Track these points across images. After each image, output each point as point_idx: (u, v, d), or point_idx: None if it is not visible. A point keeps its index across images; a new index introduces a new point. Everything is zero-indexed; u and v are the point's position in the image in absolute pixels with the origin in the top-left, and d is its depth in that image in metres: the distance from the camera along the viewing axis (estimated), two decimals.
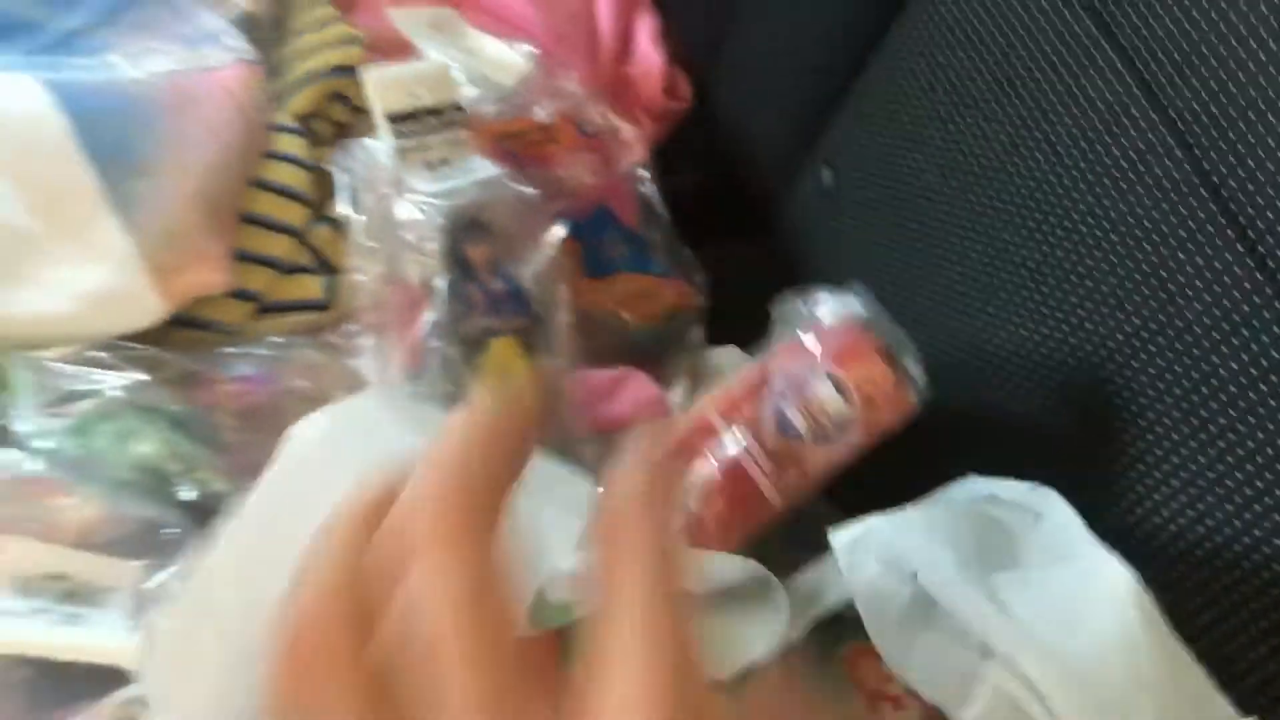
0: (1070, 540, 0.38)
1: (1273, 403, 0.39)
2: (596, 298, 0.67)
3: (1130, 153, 0.44)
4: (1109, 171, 0.45)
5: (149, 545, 0.46)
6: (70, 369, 0.51)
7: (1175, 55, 0.42)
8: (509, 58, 0.71)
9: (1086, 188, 0.46)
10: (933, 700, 0.36)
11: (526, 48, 0.72)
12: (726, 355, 0.70)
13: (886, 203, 0.59)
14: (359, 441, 0.43)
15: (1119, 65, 0.44)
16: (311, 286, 0.63)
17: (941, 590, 0.36)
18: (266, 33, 0.69)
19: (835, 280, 0.64)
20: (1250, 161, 0.39)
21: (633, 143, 0.73)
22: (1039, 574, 0.37)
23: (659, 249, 0.71)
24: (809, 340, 0.48)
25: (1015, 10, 0.49)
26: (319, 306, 0.63)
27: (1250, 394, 0.40)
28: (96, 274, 0.54)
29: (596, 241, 0.70)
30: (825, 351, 0.46)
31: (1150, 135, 0.43)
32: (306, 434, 0.44)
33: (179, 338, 0.58)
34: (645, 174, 0.73)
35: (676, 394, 0.67)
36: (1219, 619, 0.41)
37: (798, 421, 0.45)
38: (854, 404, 0.45)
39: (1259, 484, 0.40)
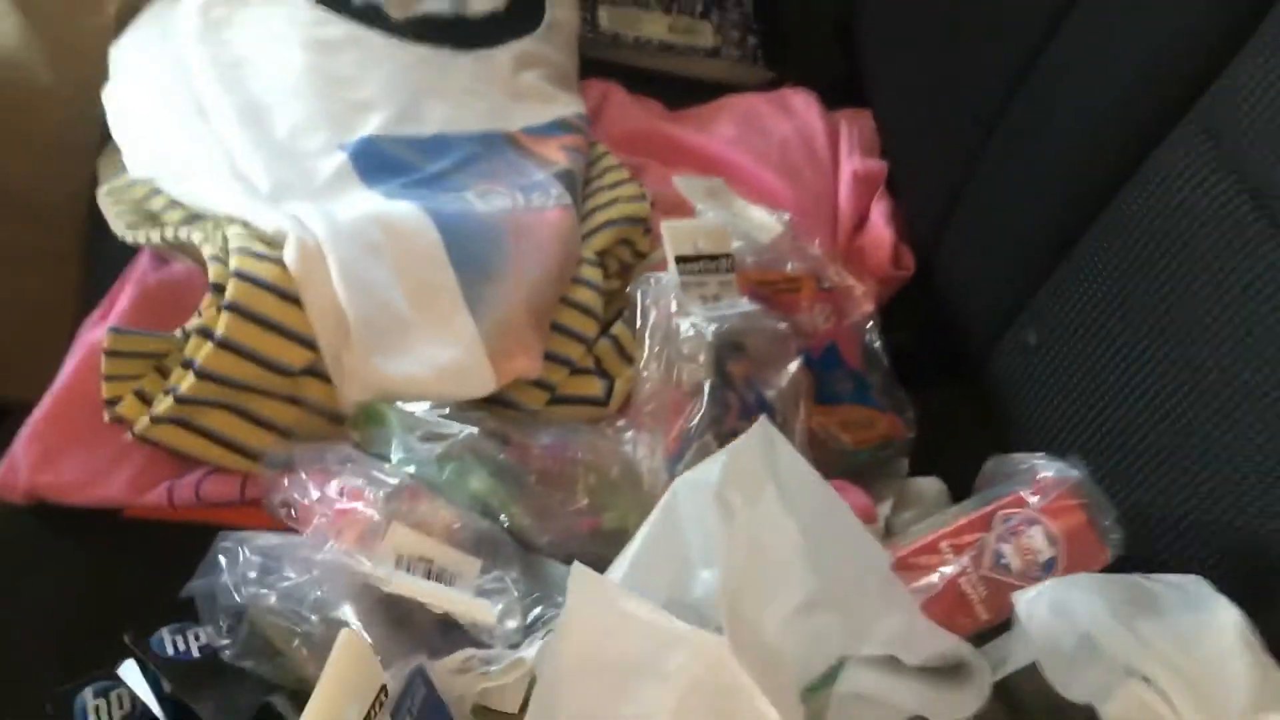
0: (1196, 596, 0.49)
1: None
2: (823, 420, 0.80)
3: None
4: None
5: (482, 548, 0.61)
6: (429, 418, 0.67)
7: None
8: (768, 221, 0.86)
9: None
10: (1084, 701, 0.47)
11: (783, 214, 0.87)
12: (928, 484, 0.81)
13: (1094, 369, 0.70)
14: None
15: None
16: (594, 386, 0.78)
17: (1096, 628, 0.48)
18: (578, 186, 0.86)
19: (1035, 435, 0.75)
20: None
21: (861, 299, 0.87)
22: (1170, 620, 0.48)
23: (877, 388, 0.84)
24: (1029, 495, 0.60)
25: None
26: (598, 403, 0.78)
27: None
28: (451, 353, 0.71)
29: (827, 375, 0.83)
30: (1041, 506, 0.59)
31: None
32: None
33: (493, 411, 0.74)
34: (871, 325, 0.87)
35: (884, 508, 0.78)
36: None
37: (1012, 559, 0.58)
38: (1059, 552, 0.57)
39: None
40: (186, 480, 0.70)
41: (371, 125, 0.83)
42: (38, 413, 0.72)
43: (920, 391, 0.85)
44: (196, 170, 0.79)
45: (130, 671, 0.62)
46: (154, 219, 0.79)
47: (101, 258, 0.85)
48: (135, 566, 0.70)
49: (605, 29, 1.12)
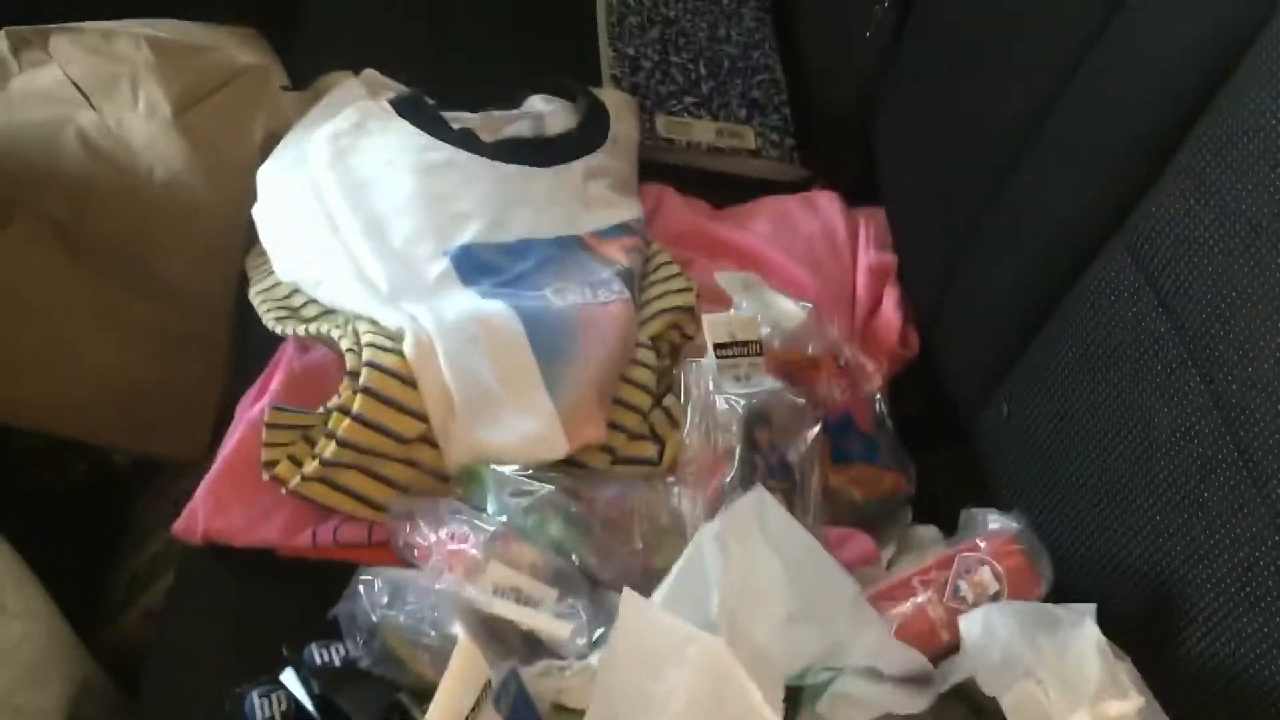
0: (1085, 623, 0.66)
1: None
2: (838, 478, 0.97)
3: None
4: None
5: (559, 582, 0.79)
6: (516, 479, 0.85)
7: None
8: (794, 310, 1.03)
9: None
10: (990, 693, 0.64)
11: (806, 304, 1.04)
12: (927, 531, 0.98)
13: (1050, 436, 0.87)
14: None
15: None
16: (649, 449, 0.95)
17: (1008, 640, 0.65)
18: (636, 281, 1.04)
19: (1008, 489, 0.92)
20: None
21: (872, 374, 1.04)
22: (1056, 635, 0.65)
23: (884, 450, 1.01)
24: (981, 542, 0.77)
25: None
26: (651, 463, 0.95)
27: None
28: (533, 425, 0.88)
29: (841, 438, 0.99)
30: (989, 550, 0.76)
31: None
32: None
33: (567, 471, 0.92)
34: (880, 397, 1.03)
35: (887, 553, 0.95)
36: None
37: (966, 592, 0.74)
38: (1003, 586, 0.74)
39: None
40: (326, 526, 0.89)
41: (468, 234, 1.02)
42: (212, 473, 0.92)
43: (922, 453, 1.02)
44: (331, 276, 0.98)
45: (289, 676, 0.80)
46: (296, 314, 0.99)
47: (251, 345, 1.04)
48: (286, 595, 0.89)
49: (661, 135, 1.31)
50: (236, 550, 0.90)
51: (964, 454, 1.00)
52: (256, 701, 0.80)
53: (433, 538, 0.79)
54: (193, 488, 0.91)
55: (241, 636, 0.87)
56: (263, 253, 1.06)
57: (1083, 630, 0.64)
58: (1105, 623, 0.70)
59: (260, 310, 1.01)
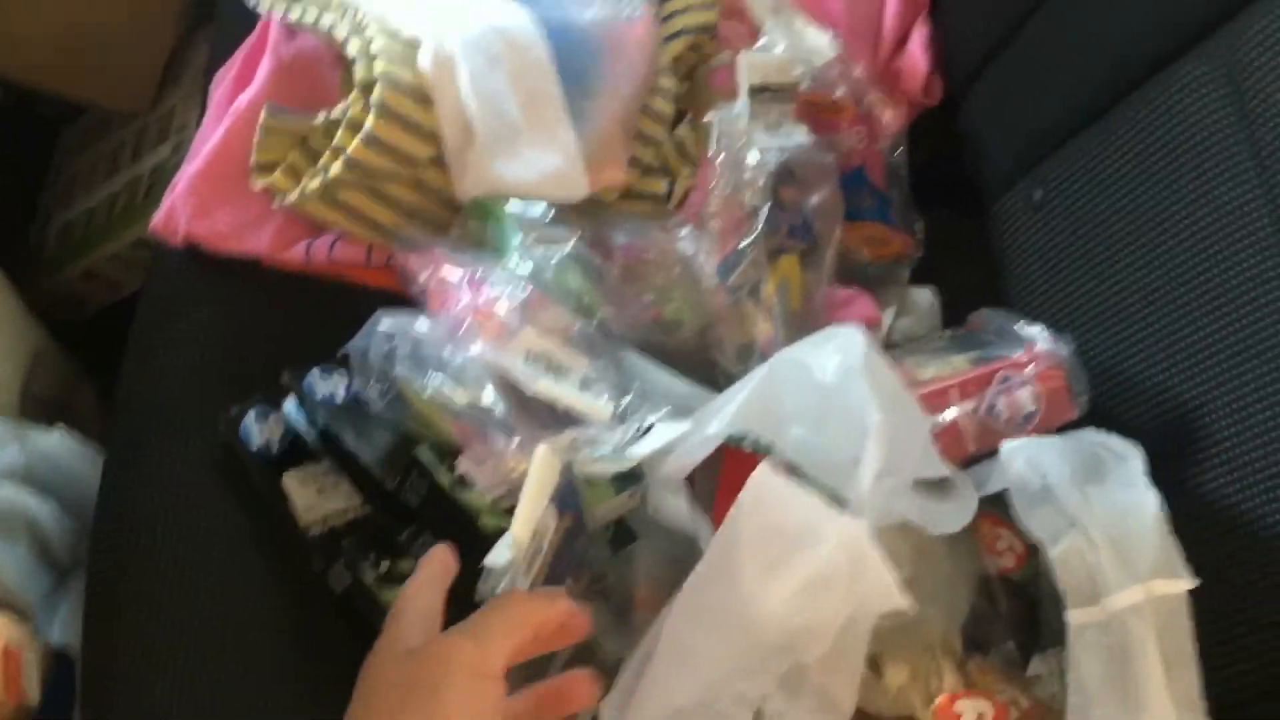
0: (1131, 474, 0.67)
1: None
2: (847, 236, 0.94)
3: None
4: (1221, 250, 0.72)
5: (586, 347, 0.76)
6: (539, 223, 0.80)
7: None
8: (822, 44, 0.96)
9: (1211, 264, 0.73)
10: (1038, 540, 0.66)
11: (835, 37, 0.97)
12: (922, 295, 0.97)
13: (1080, 230, 0.85)
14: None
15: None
16: (659, 185, 0.90)
17: (1056, 482, 0.65)
18: None
19: (1022, 279, 0.90)
20: None
21: (891, 122, 0.99)
22: (1109, 489, 0.66)
23: (896, 206, 0.98)
24: (1028, 362, 0.75)
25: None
26: (661, 199, 0.91)
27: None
28: (553, 160, 0.82)
29: (853, 193, 0.96)
30: (1031, 369, 0.75)
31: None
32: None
33: (574, 207, 0.87)
34: (896, 147, 0.99)
35: (888, 315, 0.94)
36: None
37: (1002, 409, 0.74)
38: (1040, 408, 0.74)
39: None
40: (321, 242, 0.83)
41: None
42: (192, 168, 0.84)
43: (930, 209, 0.99)
44: None
45: (291, 405, 0.78)
46: None
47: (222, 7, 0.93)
48: (276, 311, 0.84)
49: None
50: (219, 256, 0.84)
51: (976, 222, 0.98)
52: (254, 426, 0.78)
53: (462, 292, 0.74)
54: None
55: (228, 353, 0.83)
56: None
57: (1144, 498, 0.65)
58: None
59: None
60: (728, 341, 0.85)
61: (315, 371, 0.78)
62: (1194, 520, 0.69)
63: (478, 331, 0.72)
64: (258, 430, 0.78)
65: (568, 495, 0.66)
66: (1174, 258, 0.76)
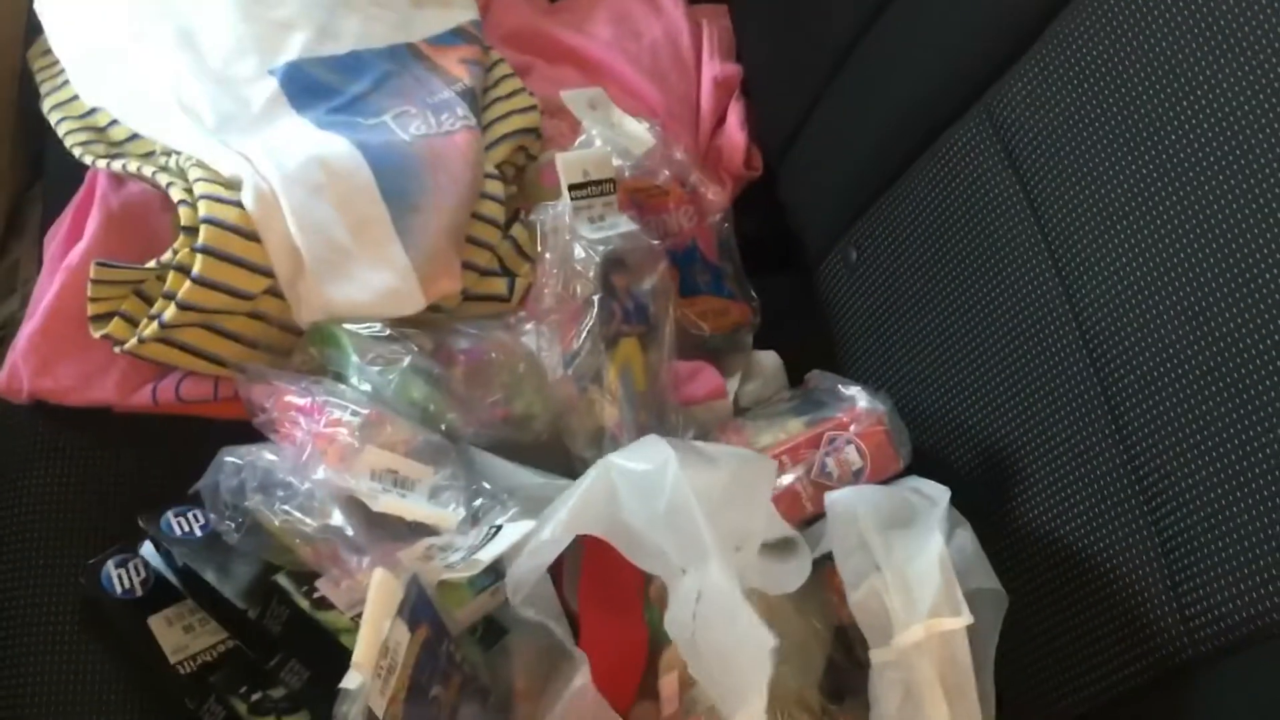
0: (935, 517, 0.71)
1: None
2: (686, 311, 0.98)
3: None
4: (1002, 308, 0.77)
5: (433, 455, 0.78)
6: (377, 342, 0.82)
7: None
8: (641, 133, 1.00)
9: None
10: (848, 584, 0.70)
11: (654, 125, 1.01)
12: (768, 358, 1.01)
13: (892, 287, 0.90)
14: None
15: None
16: (499, 285, 0.93)
17: (864, 531, 0.70)
18: (478, 101, 0.98)
19: (849, 334, 0.95)
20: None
21: (718, 198, 1.04)
22: (909, 534, 0.71)
23: (730, 277, 1.02)
24: (850, 422, 0.80)
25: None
26: (503, 299, 0.94)
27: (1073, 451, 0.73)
28: (386, 278, 0.85)
29: (688, 269, 1.00)
30: (855, 428, 0.79)
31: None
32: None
33: (415, 316, 0.89)
34: (724, 221, 1.04)
35: (733, 382, 0.98)
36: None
37: (833, 469, 0.78)
38: (867, 463, 0.78)
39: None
40: (166, 382, 0.85)
41: (295, 47, 0.93)
42: (30, 326, 0.84)
43: (765, 276, 1.04)
44: (147, 101, 0.88)
45: (149, 550, 0.79)
46: (103, 136, 0.90)
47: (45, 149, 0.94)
48: (128, 456, 0.85)
49: None
50: (68, 408, 0.85)
51: (803, 276, 1.03)
52: (114, 573, 0.79)
53: (303, 419, 0.76)
54: None
55: (84, 503, 0.83)
56: (51, 51, 0.95)
57: (929, 539, 0.69)
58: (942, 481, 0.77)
59: (60, 132, 0.91)
60: (578, 429, 0.88)
61: (170, 513, 0.79)
62: (1017, 545, 0.74)
63: (321, 456, 0.74)
64: (118, 577, 0.79)
65: (420, 607, 0.68)
66: (970, 308, 0.81)
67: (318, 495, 0.73)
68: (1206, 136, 0.66)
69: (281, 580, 0.74)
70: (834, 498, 0.73)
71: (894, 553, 0.69)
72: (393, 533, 0.75)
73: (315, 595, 0.73)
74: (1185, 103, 0.67)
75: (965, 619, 0.67)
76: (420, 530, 0.75)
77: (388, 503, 0.73)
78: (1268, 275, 0.62)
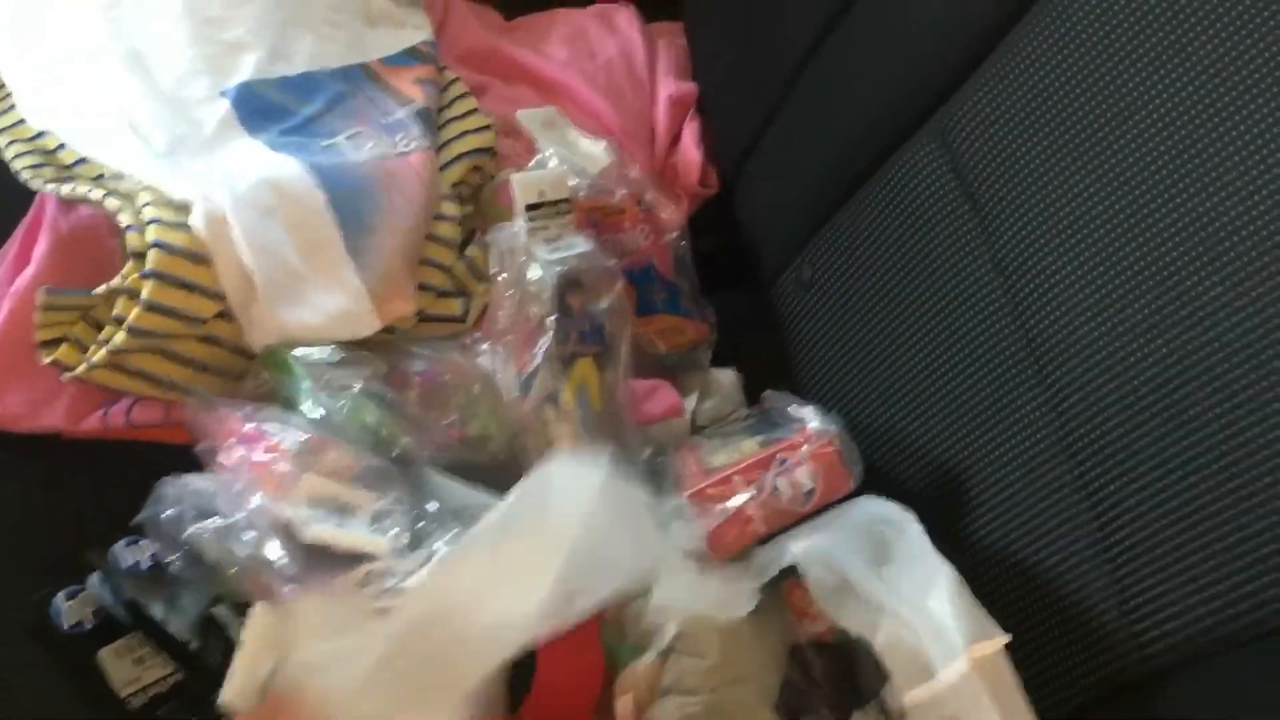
0: (916, 545, 0.71)
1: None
2: (643, 330, 0.98)
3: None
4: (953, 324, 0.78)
5: (376, 481, 0.78)
6: (330, 367, 0.82)
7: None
8: (597, 152, 1.00)
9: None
10: (857, 634, 0.70)
11: (610, 144, 1.02)
12: (725, 375, 1.01)
13: (845, 305, 0.90)
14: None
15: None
16: (454, 306, 0.93)
17: (853, 576, 0.70)
18: (433, 121, 0.98)
19: (805, 352, 0.95)
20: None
21: (674, 216, 1.04)
22: (902, 567, 0.71)
23: (686, 295, 1.02)
24: (801, 443, 0.80)
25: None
26: (458, 320, 0.93)
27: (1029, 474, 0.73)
28: (339, 300, 0.84)
29: (645, 288, 1.00)
30: (807, 449, 0.79)
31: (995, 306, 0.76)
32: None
33: (370, 337, 0.89)
34: (681, 239, 1.04)
35: (691, 400, 0.98)
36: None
37: (784, 489, 0.78)
38: (818, 484, 0.78)
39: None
40: (117, 408, 0.84)
41: (247, 68, 0.93)
42: None
43: (721, 293, 1.04)
44: (97, 124, 0.87)
45: (98, 583, 0.78)
46: (53, 159, 0.88)
47: None
48: (80, 483, 0.84)
49: None
50: (16, 435, 0.84)
51: (759, 293, 1.03)
52: (63, 606, 0.78)
53: (238, 451, 0.75)
54: None
55: (34, 532, 0.83)
56: None
57: (935, 568, 0.69)
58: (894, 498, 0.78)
59: (8, 155, 0.89)
60: (534, 450, 0.88)
61: (121, 543, 0.78)
62: (968, 562, 0.74)
63: (257, 484, 0.73)
64: (67, 609, 0.78)
65: None
66: (920, 326, 0.82)
67: (252, 524, 0.72)
68: (1152, 155, 0.67)
69: (219, 612, 0.74)
70: (802, 550, 0.74)
71: (902, 591, 0.69)
72: (332, 560, 0.74)
73: None
74: (1130, 121, 0.68)
75: (1003, 637, 0.67)
76: (361, 556, 0.75)
77: (317, 532, 0.72)
78: (1214, 293, 0.63)
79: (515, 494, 0.70)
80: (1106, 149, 0.69)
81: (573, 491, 0.68)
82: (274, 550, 0.71)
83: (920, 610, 0.67)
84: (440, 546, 0.73)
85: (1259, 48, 0.62)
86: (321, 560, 0.74)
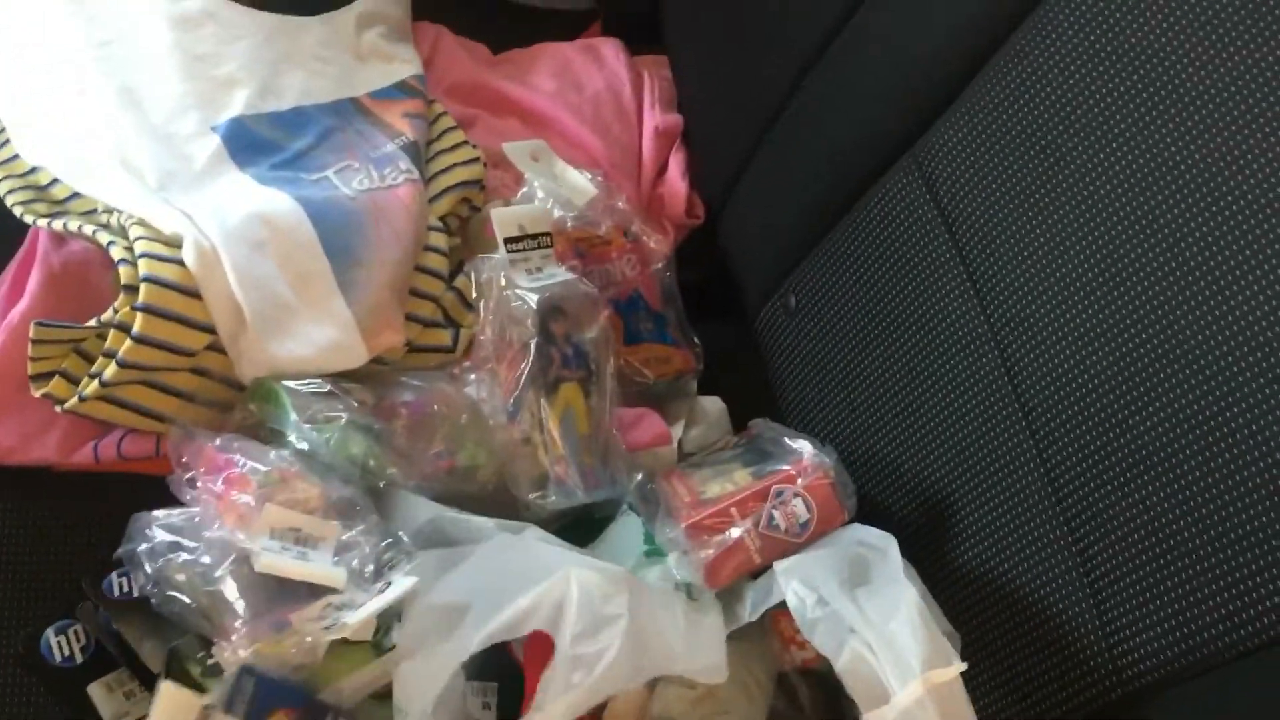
0: (894, 568, 0.72)
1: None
2: (629, 358, 0.99)
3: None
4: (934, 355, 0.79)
5: (342, 512, 0.78)
6: (317, 399, 0.83)
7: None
8: (583, 184, 1.02)
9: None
10: (824, 653, 0.70)
11: (595, 176, 1.03)
12: (711, 404, 1.03)
13: (830, 332, 0.91)
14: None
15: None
16: (443, 336, 0.94)
17: (828, 596, 0.71)
18: (422, 155, 0.99)
19: (786, 374, 0.96)
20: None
21: (660, 246, 1.05)
22: (875, 589, 0.71)
23: (673, 324, 1.04)
24: (797, 475, 0.81)
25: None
26: (447, 350, 0.94)
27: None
28: (329, 332, 0.85)
29: (631, 317, 1.01)
30: (802, 481, 0.80)
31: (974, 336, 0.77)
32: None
33: (360, 369, 0.90)
34: (667, 269, 1.05)
35: (677, 429, 0.99)
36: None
37: (780, 521, 0.79)
38: (813, 516, 0.79)
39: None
40: (108, 440, 0.85)
41: (237, 103, 0.94)
42: None
43: (707, 322, 1.05)
44: (89, 160, 0.89)
45: (88, 613, 0.78)
46: (45, 195, 0.90)
47: None
48: (71, 516, 0.85)
49: None
50: (8, 468, 0.84)
51: (745, 322, 1.04)
52: (53, 640, 0.79)
53: (202, 483, 0.76)
54: None
55: (26, 566, 0.83)
56: None
57: (904, 592, 0.70)
58: (880, 528, 0.79)
59: (0, 191, 0.90)
60: (521, 475, 0.89)
61: (114, 574, 0.79)
62: (950, 587, 0.76)
63: (220, 515, 0.74)
64: (57, 644, 0.79)
65: (265, 695, 0.68)
66: (902, 355, 0.83)
67: (212, 556, 0.73)
68: (1127, 185, 0.68)
69: (182, 645, 0.74)
70: (784, 567, 0.75)
71: (868, 613, 0.70)
72: (294, 594, 0.74)
73: (210, 662, 0.72)
74: (1105, 152, 0.69)
75: (958, 665, 0.68)
76: (321, 590, 0.75)
77: (269, 562, 0.72)
78: (1186, 320, 0.64)
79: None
80: (1081, 179, 0.71)
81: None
82: (229, 584, 0.72)
83: (882, 633, 0.68)
84: (398, 577, 0.73)
85: (1232, 76, 0.63)
86: (282, 593, 0.74)
